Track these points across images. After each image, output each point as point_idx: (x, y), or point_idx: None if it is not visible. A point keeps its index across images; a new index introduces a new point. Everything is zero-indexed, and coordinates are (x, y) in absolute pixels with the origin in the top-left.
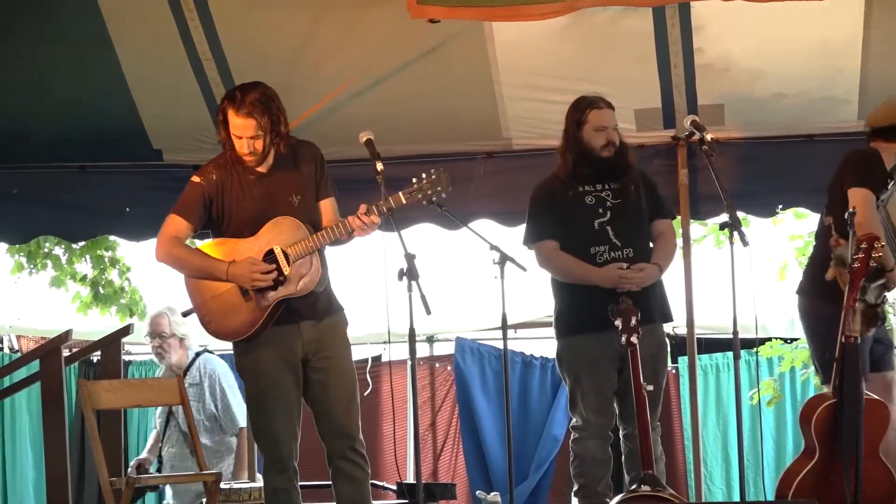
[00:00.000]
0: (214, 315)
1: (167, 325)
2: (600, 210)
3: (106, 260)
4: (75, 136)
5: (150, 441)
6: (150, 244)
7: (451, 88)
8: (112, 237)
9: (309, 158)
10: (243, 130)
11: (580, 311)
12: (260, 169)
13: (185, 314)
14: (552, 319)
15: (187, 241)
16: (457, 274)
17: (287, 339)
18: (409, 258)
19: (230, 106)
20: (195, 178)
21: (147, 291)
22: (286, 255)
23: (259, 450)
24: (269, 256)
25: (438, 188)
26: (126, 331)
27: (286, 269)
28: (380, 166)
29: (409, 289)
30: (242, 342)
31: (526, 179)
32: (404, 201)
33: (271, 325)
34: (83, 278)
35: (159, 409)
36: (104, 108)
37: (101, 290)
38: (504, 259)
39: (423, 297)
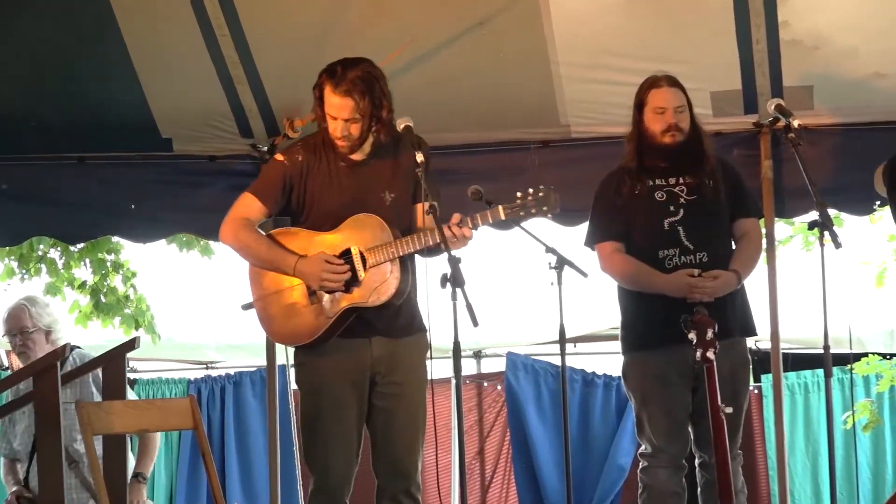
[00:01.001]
0: (274, 313)
1: (28, 317)
2: (671, 208)
3: (108, 264)
4: (73, 123)
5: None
6: (159, 246)
7: (501, 68)
8: (115, 238)
9: (412, 152)
10: (339, 111)
11: (649, 323)
12: (354, 157)
13: (244, 307)
14: (618, 332)
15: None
16: (508, 280)
17: (355, 354)
18: (454, 262)
19: (328, 81)
20: (278, 157)
21: (155, 300)
22: (363, 258)
23: (310, 473)
24: (346, 257)
25: (545, 207)
26: (131, 345)
27: (361, 274)
28: (420, 157)
29: (454, 297)
30: (303, 350)
31: (587, 171)
32: (503, 217)
33: (337, 335)
34: (82, 285)
35: (21, 425)
36: (105, 91)
37: (103, 299)
38: (562, 263)
39: (469, 307)
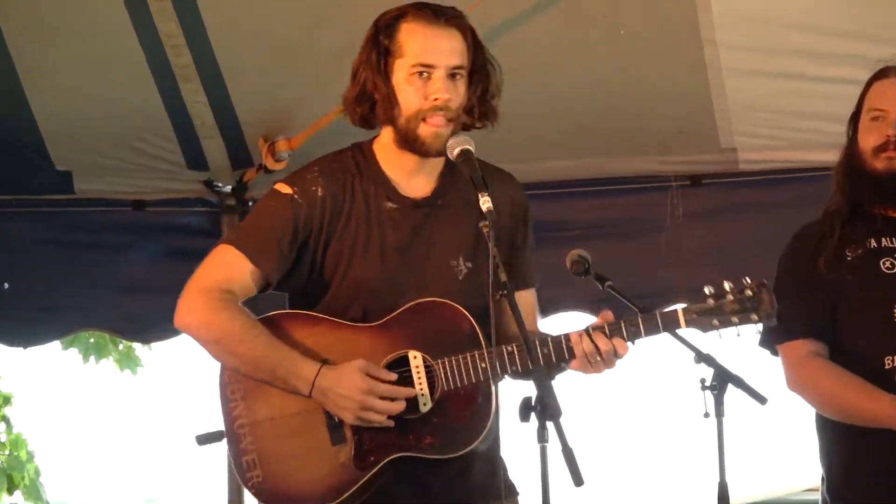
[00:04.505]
0: (267, 456)
1: None
2: None
3: None
4: None
5: None
6: (49, 352)
7: (624, 57)
8: None
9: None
10: (442, 54)
11: (865, 475)
12: (411, 192)
13: (201, 440)
14: (815, 495)
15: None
16: (631, 410)
17: None
18: (543, 382)
19: (421, 15)
20: (283, 187)
21: (42, 443)
22: (430, 373)
23: None
24: (402, 371)
25: (753, 315)
26: None
27: (424, 403)
28: (486, 203)
29: (542, 437)
30: None
31: (763, 225)
32: (682, 324)
33: (365, 497)
34: None
35: None
36: None
37: None
38: (724, 380)
39: (567, 453)
